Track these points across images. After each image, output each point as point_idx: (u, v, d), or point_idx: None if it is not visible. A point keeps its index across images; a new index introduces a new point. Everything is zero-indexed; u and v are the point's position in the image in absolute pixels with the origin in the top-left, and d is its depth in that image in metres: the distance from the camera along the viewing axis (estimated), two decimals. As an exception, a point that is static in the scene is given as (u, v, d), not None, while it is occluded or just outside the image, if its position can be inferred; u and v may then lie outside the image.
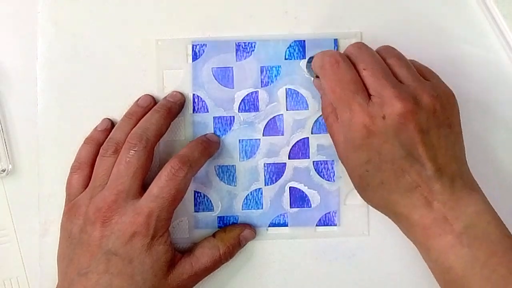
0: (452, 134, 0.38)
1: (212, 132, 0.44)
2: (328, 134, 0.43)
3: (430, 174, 0.36)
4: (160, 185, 0.38)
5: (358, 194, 0.43)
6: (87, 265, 0.38)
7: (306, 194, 0.44)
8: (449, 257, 0.36)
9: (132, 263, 0.37)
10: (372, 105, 0.36)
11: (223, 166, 0.44)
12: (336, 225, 0.43)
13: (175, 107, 0.42)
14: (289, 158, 0.44)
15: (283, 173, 0.44)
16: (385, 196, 0.38)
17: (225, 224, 0.43)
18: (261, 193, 0.44)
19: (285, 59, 0.44)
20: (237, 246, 0.42)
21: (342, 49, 0.44)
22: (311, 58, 0.41)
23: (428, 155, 0.36)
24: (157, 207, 0.38)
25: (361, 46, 0.39)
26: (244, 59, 0.44)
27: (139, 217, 0.38)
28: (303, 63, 0.43)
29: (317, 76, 0.40)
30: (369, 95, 0.37)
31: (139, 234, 0.38)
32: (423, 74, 0.39)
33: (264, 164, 0.44)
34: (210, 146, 0.42)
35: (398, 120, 0.36)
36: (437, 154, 0.36)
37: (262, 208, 0.44)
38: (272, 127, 0.44)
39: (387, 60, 0.38)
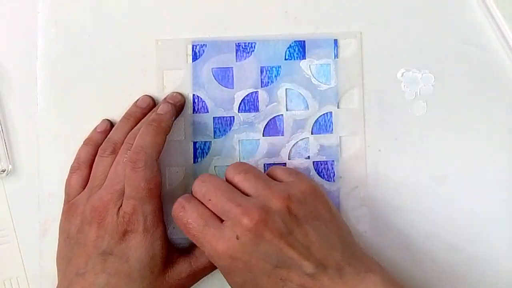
0: (323, 224, 0.37)
1: (212, 132, 0.44)
2: (328, 134, 0.43)
3: (311, 272, 0.35)
4: (129, 183, 0.38)
5: (358, 194, 0.43)
6: (84, 265, 0.38)
7: (306, 194, 0.43)
8: None
9: (129, 261, 0.38)
10: (225, 230, 0.36)
11: (223, 166, 0.44)
12: (336, 225, 0.43)
13: (175, 109, 0.42)
14: (289, 158, 0.44)
15: (283, 173, 0.43)
16: None
17: (225, 224, 0.43)
18: (261, 193, 0.43)
19: (285, 59, 0.44)
20: (236, 246, 0.42)
21: (342, 49, 0.44)
22: None
23: (300, 255, 0.35)
24: (137, 202, 0.38)
25: (203, 178, 0.38)
26: (244, 59, 0.44)
27: (126, 216, 0.38)
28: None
29: None
30: (222, 221, 0.36)
31: (130, 232, 0.38)
32: (278, 177, 0.39)
33: (264, 164, 0.44)
34: (161, 123, 0.40)
35: (251, 235, 0.35)
36: (311, 250, 0.35)
37: (262, 208, 0.43)
38: (272, 127, 0.44)
39: (234, 178, 0.38)
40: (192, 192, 0.38)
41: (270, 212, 0.35)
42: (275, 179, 0.39)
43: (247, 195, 0.37)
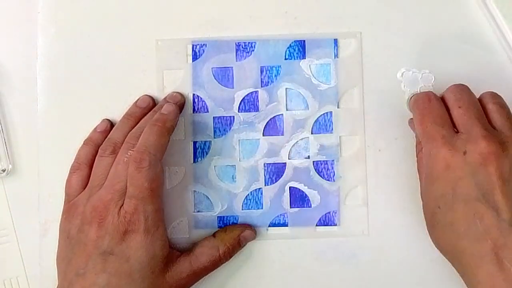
0: None
1: (212, 132, 0.44)
2: (328, 134, 0.43)
3: (504, 226, 0.34)
4: (131, 182, 0.38)
5: (358, 194, 0.43)
6: (84, 265, 0.38)
7: (306, 194, 0.43)
8: None
9: (129, 261, 0.37)
10: (457, 140, 0.36)
11: (223, 166, 0.44)
12: (336, 225, 0.43)
13: (179, 108, 0.42)
14: (289, 158, 0.44)
15: (283, 173, 0.43)
16: (453, 240, 0.36)
17: (225, 224, 0.43)
18: (261, 193, 0.44)
19: (285, 59, 0.44)
20: (237, 246, 0.42)
21: (342, 49, 0.44)
22: (411, 96, 0.42)
23: (505, 203, 0.34)
24: (139, 202, 0.38)
25: (463, 87, 0.39)
26: (244, 59, 0.44)
27: (127, 215, 0.38)
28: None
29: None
30: (457, 132, 0.37)
31: (131, 232, 0.38)
32: None
33: (264, 164, 0.44)
34: (165, 123, 0.40)
35: (478, 159, 0.35)
36: None
37: (262, 208, 0.43)
38: (272, 127, 0.44)
39: (488, 105, 0.38)
40: (442, 94, 0.39)
41: (506, 152, 0.36)
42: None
43: (491, 125, 0.37)
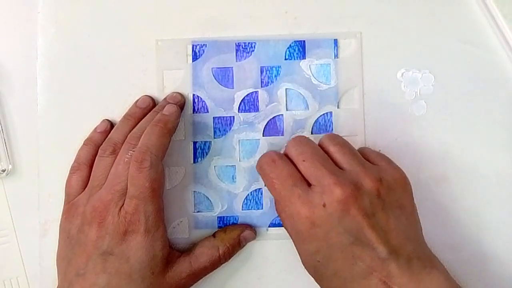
0: (403, 215, 0.37)
1: (212, 132, 0.44)
2: (328, 134, 0.43)
3: (384, 257, 0.35)
4: (133, 182, 0.38)
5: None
6: (84, 266, 0.38)
7: (306, 194, 0.43)
8: None
9: (129, 262, 0.37)
10: (312, 195, 0.36)
11: (223, 166, 0.44)
12: (336, 225, 0.43)
13: (181, 109, 0.42)
14: (289, 158, 0.44)
15: (283, 173, 0.43)
16: (341, 285, 0.37)
17: (225, 224, 0.43)
18: (261, 193, 0.44)
19: (285, 59, 0.44)
20: (237, 246, 0.42)
21: (342, 49, 0.44)
22: None
23: (378, 238, 0.35)
24: (140, 202, 0.38)
25: (301, 139, 0.39)
26: (244, 59, 0.44)
27: (127, 216, 0.38)
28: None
29: None
30: (310, 186, 0.37)
31: (131, 232, 0.38)
32: (371, 159, 0.39)
33: (264, 164, 0.44)
34: (167, 124, 0.40)
35: (338, 207, 0.35)
36: (388, 236, 0.36)
37: (262, 208, 0.44)
38: (272, 127, 0.44)
39: (329, 147, 0.38)
40: (284, 151, 0.39)
41: (361, 189, 0.36)
42: (366, 159, 0.39)
43: (339, 167, 0.37)
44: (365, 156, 0.39)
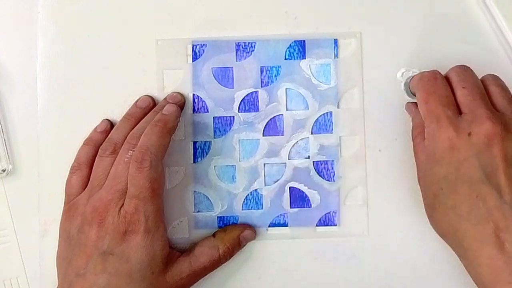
0: None
1: (212, 132, 0.44)
2: (328, 134, 0.43)
3: (506, 208, 0.34)
4: (132, 182, 0.38)
5: (358, 194, 0.43)
6: (84, 266, 0.38)
7: (306, 194, 0.43)
8: None
9: (129, 262, 0.37)
10: (461, 121, 0.36)
11: (223, 166, 0.44)
12: (336, 225, 0.43)
13: (181, 109, 0.42)
14: (289, 158, 0.44)
15: (283, 173, 0.43)
16: (454, 223, 0.36)
17: (225, 224, 0.43)
18: (261, 193, 0.44)
19: (285, 59, 0.44)
20: (237, 246, 0.42)
21: (342, 49, 0.44)
22: (410, 78, 0.41)
23: (508, 185, 0.34)
24: (140, 202, 0.38)
25: (466, 68, 0.39)
26: (244, 59, 0.44)
27: (127, 216, 0.38)
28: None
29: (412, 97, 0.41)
30: (461, 113, 0.37)
31: (131, 232, 0.38)
32: None
33: (264, 164, 0.44)
34: (167, 123, 0.40)
35: (483, 140, 0.35)
36: None
37: (262, 208, 0.44)
38: (272, 127, 0.44)
39: (490, 87, 0.38)
40: (445, 74, 0.39)
41: (510, 135, 0.35)
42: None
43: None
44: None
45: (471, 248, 0.35)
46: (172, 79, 0.44)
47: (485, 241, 0.35)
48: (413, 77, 0.41)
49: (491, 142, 0.35)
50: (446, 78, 0.39)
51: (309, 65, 0.44)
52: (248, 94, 0.44)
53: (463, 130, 0.36)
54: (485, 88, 0.38)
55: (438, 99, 0.37)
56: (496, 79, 0.39)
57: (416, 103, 0.40)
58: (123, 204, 0.38)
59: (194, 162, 0.44)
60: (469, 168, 0.35)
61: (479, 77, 0.39)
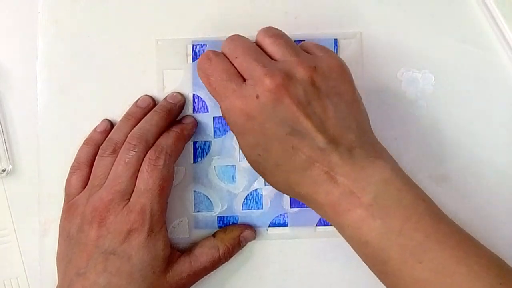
0: (342, 103, 0.36)
1: (212, 132, 0.44)
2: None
3: (323, 147, 0.35)
4: (144, 179, 0.38)
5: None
6: (85, 265, 0.38)
7: (306, 194, 0.43)
8: (363, 232, 0.35)
9: (131, 261, 0.38)
10: (245, 88, 0.36)
11: (223, 166, 0.44)
12: (336, 225, 0.43)
13: (175, 108, 0.43)
14: (289, 158, 0.44)
15: (283, 173, 0.43)
16: (285, 178, 0.37)
17: (225, 224, 0.43)
18: (261, 193, 0.44)
19: (285, 59, 0.44)
20: (237, 246, 0.42)
21: (342, 49, 0.44)
22: None
23: (315, 127, 0.35)
24: (148, 200, 0.38)
25: (234, 37, 0.39)
26: (244, 59, 0.44)
27: (132, 214, 0.38)
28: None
29: None
30: (245, 81, 0.37)
31: (135, 231, 0.38)
32: (309, 51, 0.38)
33: (264, 164, 0.43)
34: (183, 130, 0.42)
35: (270, 96, 0.35)
36: (325, 125, 0.35)
37: (262, 208, 0.44)
38: (272, 127, 0.44)
39: (265, 40, 0.38)
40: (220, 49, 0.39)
41: (293, 78, 0.36)
42: (305, 51, 0.38)
43: (274, 60, 0.37)
44: (304, 48, 0.39)
45: (308, 194, 0.36)
46: (172, 79, 0.44)
47: (317, 182, 0.36)
48: None
49: (278, 95, 0.35)
50: (223, 54, 0.39)
51: (309, 65, 0.44)
52: (248, 94, 0.44)
53: (250, 96, 0.36)
54: (260, 45, 0.38)
55: (218, 77, 0.37)
56: (268, 30, 0.38)
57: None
58: (125, 204, 0.38)
59: (194, 162, 0.44)
60: (273, 127, 0.36)
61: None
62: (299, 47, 0.38)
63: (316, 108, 0.36)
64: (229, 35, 0.39)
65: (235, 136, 0.39)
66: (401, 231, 0.34)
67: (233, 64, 0.38)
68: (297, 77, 0.36)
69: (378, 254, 0.35)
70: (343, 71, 0.38)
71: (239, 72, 0.37)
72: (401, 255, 0.34)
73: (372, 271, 0.37)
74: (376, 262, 0.36)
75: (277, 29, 0.39)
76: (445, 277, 0.34)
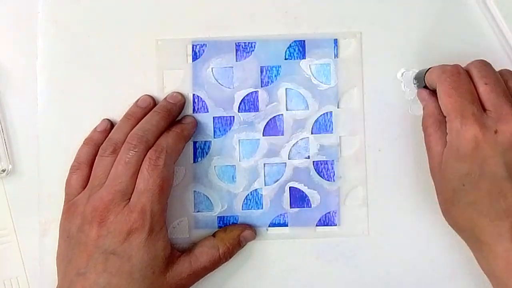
0: None
1: (212, 132, 0.44)
2: (328, 134, 0.43)
3: None
4: (144, 179, 0.38)
5: (358, 194, 0.43)
6: (85, 265, 0.38)
7: (306, 194, 0.43)
8: None
9: (131, 261, 0.38)
10: (487, 118, 0.36)
11: (223, 166, 0.44)
12: (336, 225, 0.43)
13: (175, 108, 0.43)
14: (289, 158, 0.44)
15: (283, 173, 0.43)
16: (473, 218, 0.36)
17: (225, 224, 0.43)
18: (261, 193, 0.44)
19: (285, 59, 0.44)
20: (237, 246, 0.42)
21: (342, 49, 0.44)
22: (421, 70, 0.41)
23: None
24: (148, 200, 0.38)
25: (486, 63, 0.38)
26: (244, 59, 0.44)
27: (133, 214, 0.38)
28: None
29: (424, 87, 0.41)
30: (484, 110, 0.37)
31: (136, 231, 0.38)
32: None
33: (264, 164, 0.44)
34: (183, 130, 0.42)
35: (509, 139, 0.35)
36: None
37: (262, 208, 0.44)
38: (272, 127, 0.44)
39: (509, 82, 0.38)
40: (467, 68, 0.38)
41: None
42: None
43: None
44: None
45: (487, 243, 0.36)
46: (172, 79, 0.44)
47: (502, 236, 0.35)
48: (429, 69, 0.40)
49: None
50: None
51: (309, 65, 0.44)
52: (248, 94, 0.44)
53: (489, 128, 0.36)
54: (505, 83, 0.38)
55: (462, 95, 0.37)
56: (506, 72, 0.39)
57: (430, 90, 0.40)
58: (125, 204, 0.38)
59: (194, 162, 0.44)
60: (494, 165, 0.36)
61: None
62: None
63: None
64: (479, 60, 0.39)
65: (448, 158, 0.37)
66: None
67: (475, 87, 0.37)
68: None
69: None
70: None
71: (479, 99, 0.37)
72: None
73: None
74: None
75: None
76: None
